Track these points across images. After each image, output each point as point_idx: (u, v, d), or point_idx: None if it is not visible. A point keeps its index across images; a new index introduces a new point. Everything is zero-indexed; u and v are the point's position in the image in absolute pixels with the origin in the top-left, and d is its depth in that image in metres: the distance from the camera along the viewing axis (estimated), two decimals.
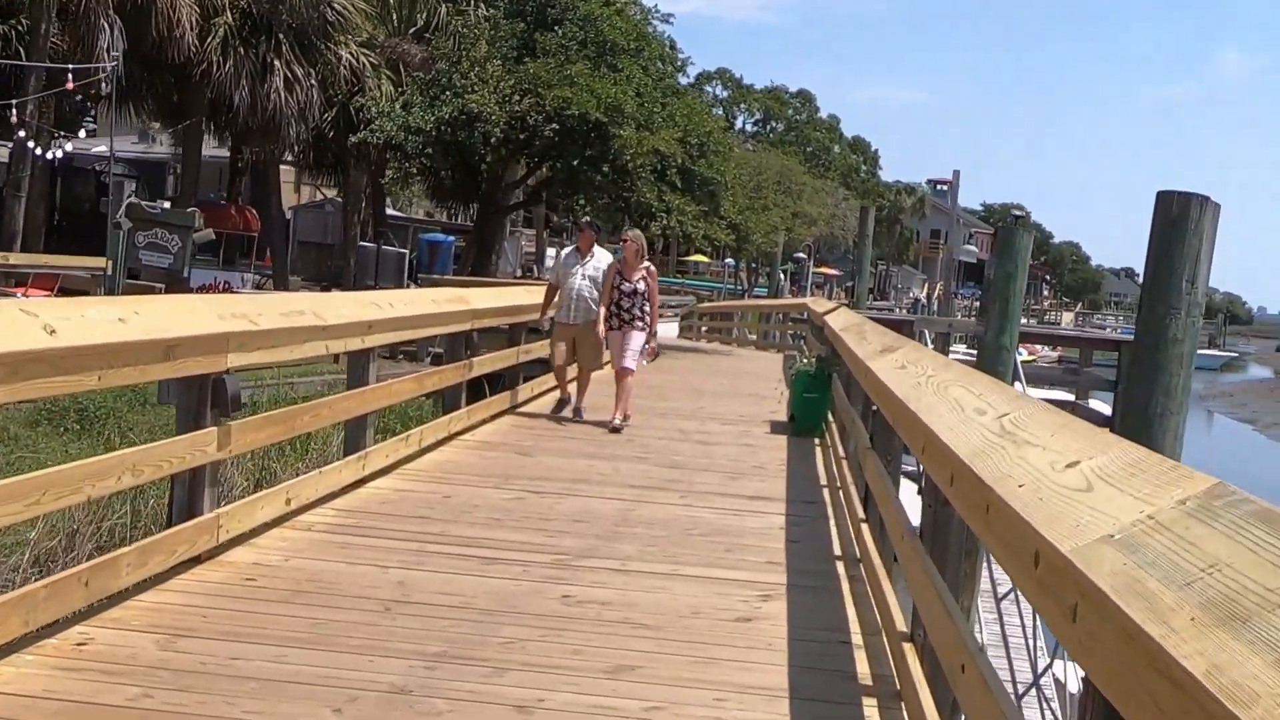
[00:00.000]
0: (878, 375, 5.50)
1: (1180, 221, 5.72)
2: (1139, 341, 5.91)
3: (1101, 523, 1.90)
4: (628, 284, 10.45)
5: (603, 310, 10.39)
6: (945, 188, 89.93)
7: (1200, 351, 61.65)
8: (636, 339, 10.47)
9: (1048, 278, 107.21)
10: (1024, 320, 64.12)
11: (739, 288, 56.24)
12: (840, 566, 6.11)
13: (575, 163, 19.48)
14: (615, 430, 10.14)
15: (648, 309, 10.55)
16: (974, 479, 2.76)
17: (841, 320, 10.56)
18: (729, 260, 54.62)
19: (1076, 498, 2.17)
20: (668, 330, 33.59)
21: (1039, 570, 2.06)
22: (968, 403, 3.61)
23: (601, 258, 10.76)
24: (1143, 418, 5.79)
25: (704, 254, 55.74)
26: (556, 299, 10.78)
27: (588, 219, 12.42)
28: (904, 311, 48.12)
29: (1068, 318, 68.50)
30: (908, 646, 4.19)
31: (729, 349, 27.89)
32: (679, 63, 23.45)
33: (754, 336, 31.35)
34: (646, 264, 10.68)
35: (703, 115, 21.29)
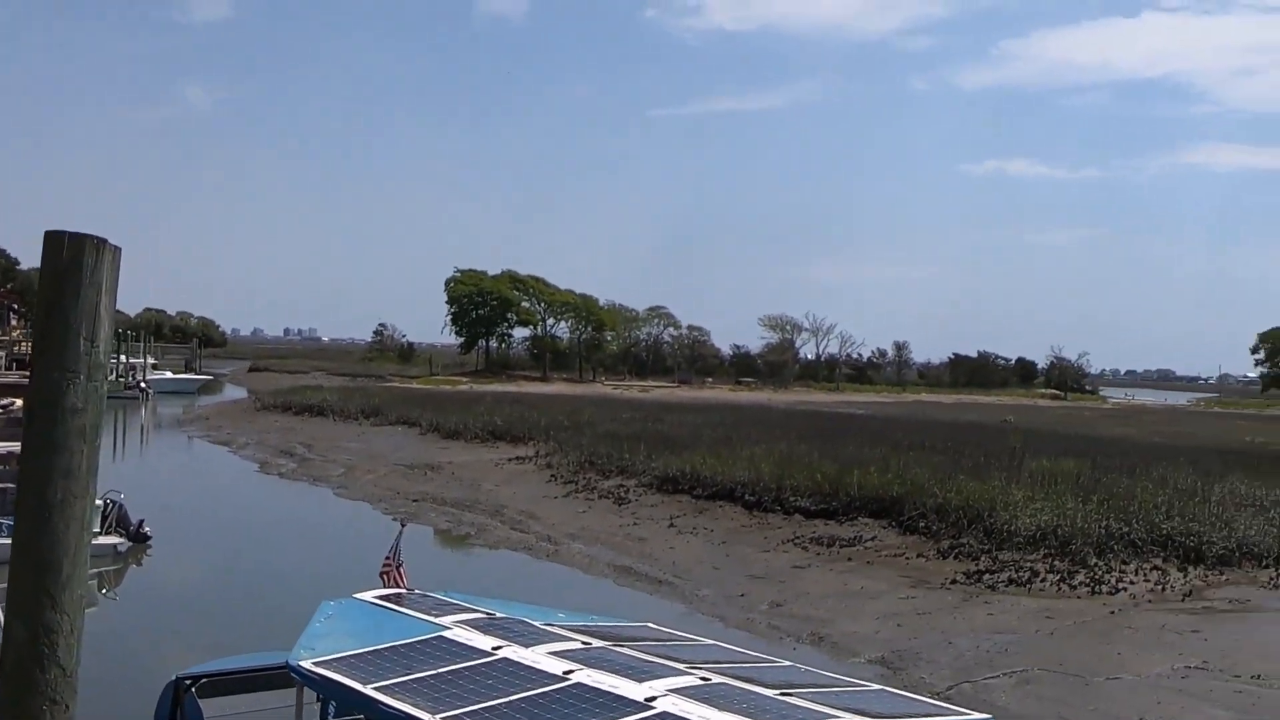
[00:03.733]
0: None
1: (73, 269, 4.78)
2: (31, 415, 4.86)
3: None
4: None
5: None
6: None
7: (178, 376, 62.73)
8: None
9: (16, 306, 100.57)
10: None
11: None
12: None
13: None
14: None
15: None
16: None
17: None
18: None
19: None
20: None
21: None
22: None
23: None
24: (41, 507, 4.75)
25: None
26: None
27: None
28: None
29: None
30: None
31: None
32: None
33: None
34: None
35: None
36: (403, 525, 10.46)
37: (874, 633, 16.60)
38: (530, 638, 7.87)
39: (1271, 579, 18.94)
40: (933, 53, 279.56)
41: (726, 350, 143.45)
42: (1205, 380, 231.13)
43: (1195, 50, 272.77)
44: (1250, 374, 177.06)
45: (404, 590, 9.65)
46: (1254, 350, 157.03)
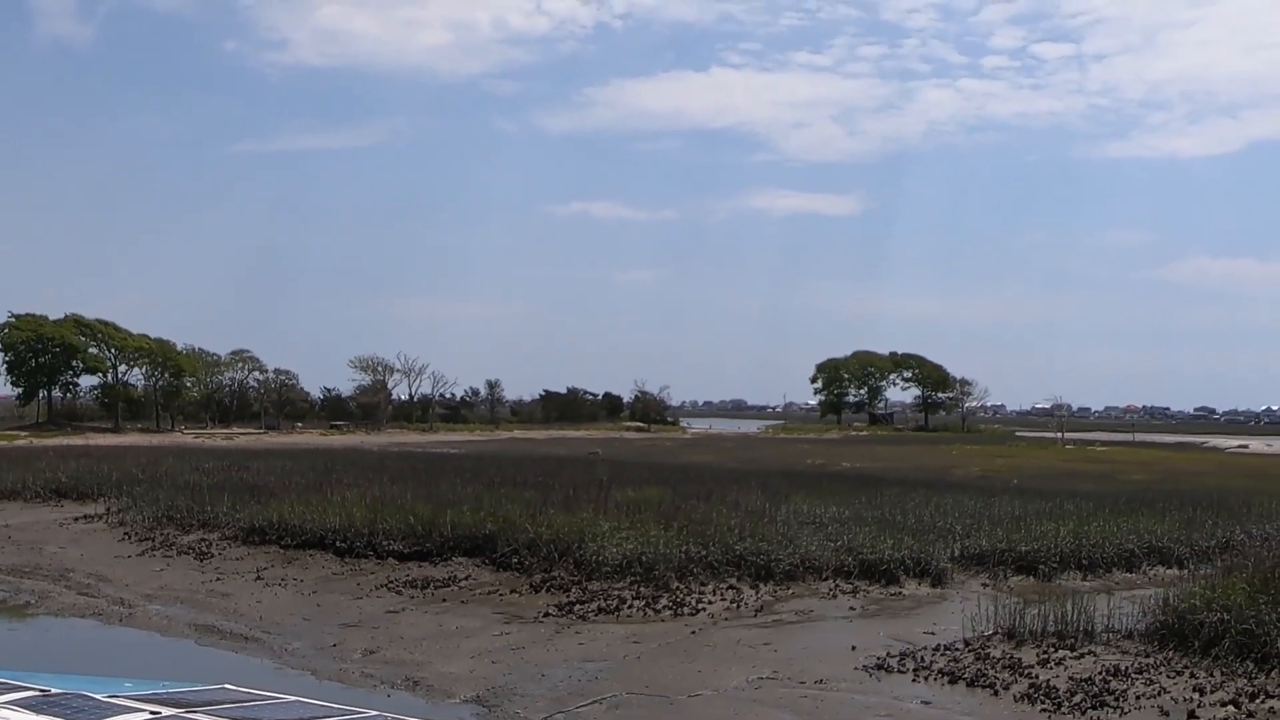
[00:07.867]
0: None
1: None
2: None
3: None
4: None
5: None
6: None
7: None
8: None
9: None
10: None
11: None
12: None
13: None
14: None
15: None
16: None
17: None
18: None
19: None
20: None
21: None
22: None
23: None
24: None
25: None
26: None
27: None
28: None
29: None
30: None
31: None
32: None
33: None
34: None
35: None
36: None
37: (469, 672, 16.60)
38: (90, 714, 7.24)
39: (830, 590, 20.67)
40: (519, 96, 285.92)
41: (317, 393, 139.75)
42: (773, 409, 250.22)
43: (757, 104, 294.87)
44: (811, 401, 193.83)
45: None
46: (813, 380, 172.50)
